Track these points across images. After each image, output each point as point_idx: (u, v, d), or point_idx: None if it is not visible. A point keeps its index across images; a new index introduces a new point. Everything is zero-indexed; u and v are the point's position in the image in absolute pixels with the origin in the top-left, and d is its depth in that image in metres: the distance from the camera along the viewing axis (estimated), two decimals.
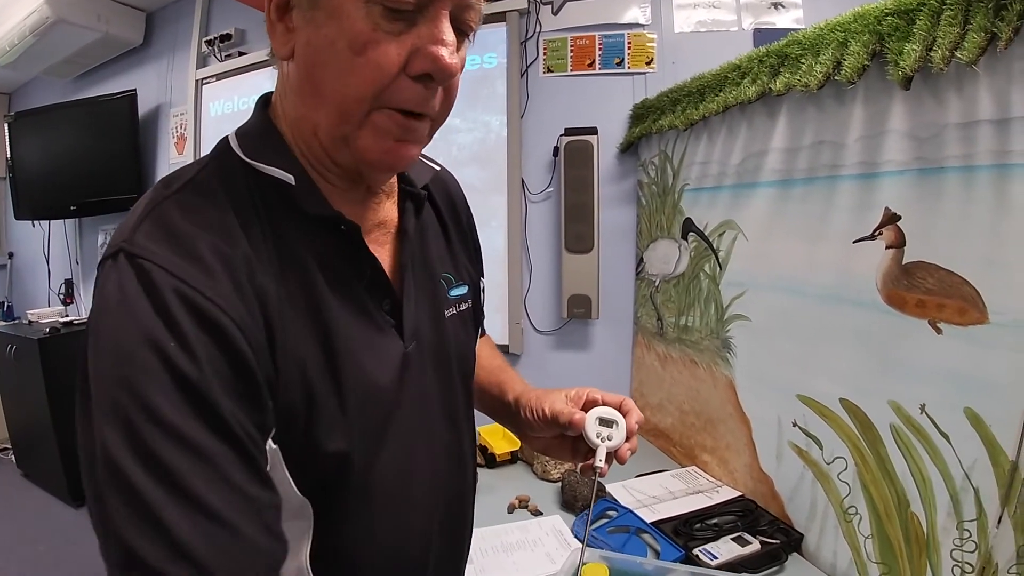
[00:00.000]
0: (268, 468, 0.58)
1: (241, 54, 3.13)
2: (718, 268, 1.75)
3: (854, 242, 1.26)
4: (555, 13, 2.38)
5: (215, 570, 0.49)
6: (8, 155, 4.05)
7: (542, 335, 2.51)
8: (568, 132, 2.29)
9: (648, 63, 2.28)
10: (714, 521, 1.47)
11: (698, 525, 1.46)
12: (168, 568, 0.47)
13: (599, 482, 1.60)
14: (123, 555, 0.48)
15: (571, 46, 2.37)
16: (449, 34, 0.61)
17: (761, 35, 2.14)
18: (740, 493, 1.64)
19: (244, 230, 0.61)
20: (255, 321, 0.58)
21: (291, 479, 0.62)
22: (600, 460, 0.84)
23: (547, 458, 1.81)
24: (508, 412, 0.95)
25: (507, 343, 2.50)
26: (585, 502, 1.60)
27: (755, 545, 1.35)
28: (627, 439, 0.86)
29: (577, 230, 2.30)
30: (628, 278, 2.35)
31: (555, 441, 0.91)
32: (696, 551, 1.33)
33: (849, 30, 1.22)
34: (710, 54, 1.96)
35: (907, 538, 1.16)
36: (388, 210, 0.79)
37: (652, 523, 1.48)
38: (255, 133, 0.70)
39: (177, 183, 0.63)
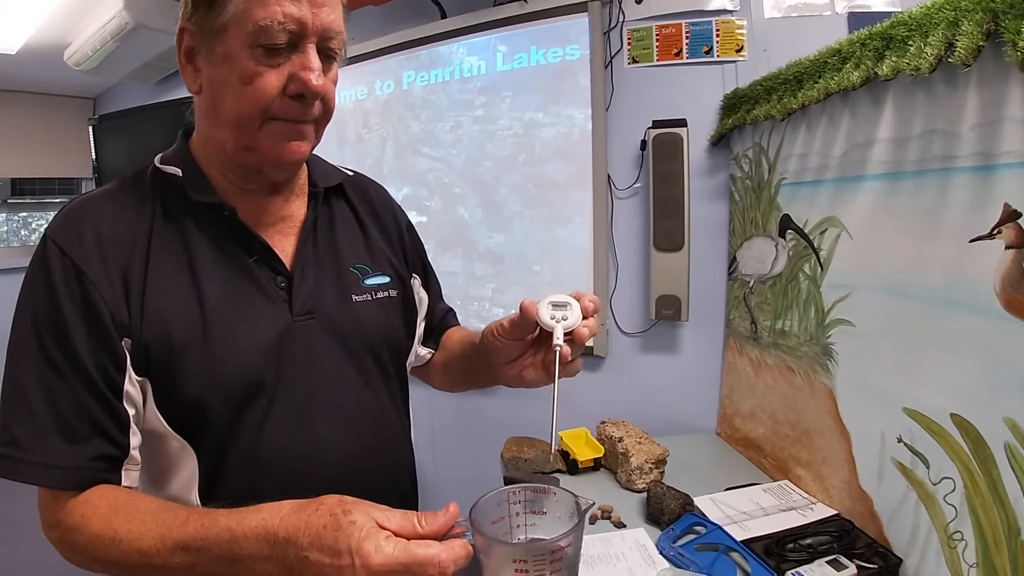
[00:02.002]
0: (142, 398, 0.84)
1: None
2: (819, 269, 1.69)
3: (970, 241, 1.19)
4: (639, 2, 2.35)
5: (32, 452, 0.78)
6: (94, 157, 4.34)
7: (628, 337, 2.49)
8: (656, 124, 2.25)
9: (738, 51, 2.22)
10: (808, 542, 1.42)
11: (791, 545, 1.41)
12: (3, 450, 0.79)
13: (686, 494, 1.61)
14: None
15: (656, 35, 2.33)
16: (315, 62, 0.83)
17: (855, 19, 2.04)
18: (836, 512, 1.59)
19: (132, 218, 0.87)
20: (112, 282, 0.82)
21: (159, 413, 0.85)
22: (558, 338, 0.84)
23: (632, 467, 1.79)
24: (482, 355, 0.99)
25: (591, 344, 2.48)
26: (672, 516, 1.57)
27: (851, 570, 1.30)
28: (584, 319, 0.87)
29: (666, 227, 2.27)
30: (720, 278, 2.30)
31: (528, 362, 0.94)
32: (788, 574, 1.30)
33: (959, 8, 1.15)
34: (803, 40, 1.90)
35: (1015, 568, 1.09)
36: (296, 207, 1.01)
37: (742, 541, 1.44)
38: (172, 149, 0.97)
39: (94, 192, 0.91)
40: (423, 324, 1.22)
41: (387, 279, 1.07)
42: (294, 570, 0.68)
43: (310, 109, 0.87)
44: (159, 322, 0.84)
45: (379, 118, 2.97)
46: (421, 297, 1.19)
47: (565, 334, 0.85)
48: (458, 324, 1.31)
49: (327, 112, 0.92)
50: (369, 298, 1.03)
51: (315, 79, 0.82)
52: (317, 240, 1.00)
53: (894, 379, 1.41)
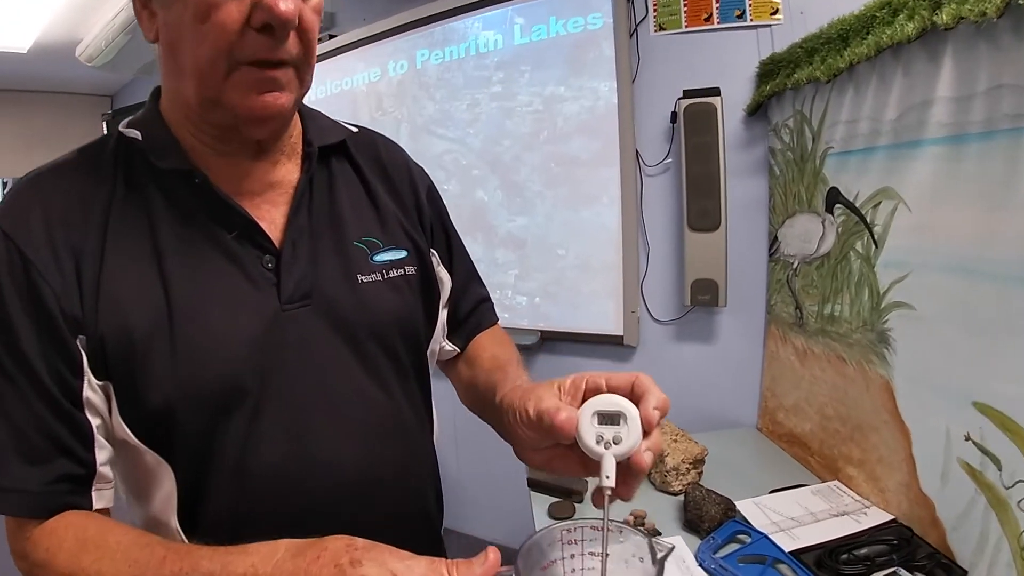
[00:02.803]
0: (107, 405, 0.74)
1: (331, 37, 3.17)
2: (873, 246, 1.57)
3: None
4: None
5: None
6: None
7: (661, 325, 2.39)
8: (687, 95, 2.14)
9: (773, 14, 2.08)
10: (864, 552, 1.31)
11: (845, 556, 1.30)
12: None
13: (727, 499, 1.49)
14: None
15: (684, 0, 2.20)
16: None
17: None
18: (892, 517, 1.47)
19: (88, 193, 0.76)
20: (62, 269, 0.71)
21: (124, 424, 0.74)
22: (607, 477, 0.61)
23: (668, 467, 1.68)
24: (500, 421, 0.80)
25: (621, 333, 2.40)
26: (713, 523, 1.46)
27: None
28: (644, 435, 0.62)
29: (701, 205, 2.15)
30: (760, 260, 2.18)
31: (558, 452, 0.71)
32: None
33: None
34: (843, 1, 1.76)
35: None
36: (288, 171, 0.86)
37: (791, 552, 1.33)
38: (140, 112, 0.83)
39: (47, 165, 0.79)
40: (445, 311, 1.05)
41: (403, 254, 0.92)
42: None
43: (283, 44, 0.71)
44: (116, 314, 0.72)
45: (393, 100, 2.91)
46: (442, 278, 1.03)
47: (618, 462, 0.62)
48: (494, 322, 1.13)
49: (308, 49, 0.76)
50: (379, 278, 0.88)
51: (283, 4, 0.67)
52: (313, 209, 0.85)
53: (961, 369, 1.29)
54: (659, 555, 0.59)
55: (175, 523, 0.76)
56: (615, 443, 0.61)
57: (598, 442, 0.62)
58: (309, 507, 0.75)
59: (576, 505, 1.66)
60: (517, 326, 2.59)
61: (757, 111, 2.12)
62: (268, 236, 0.80)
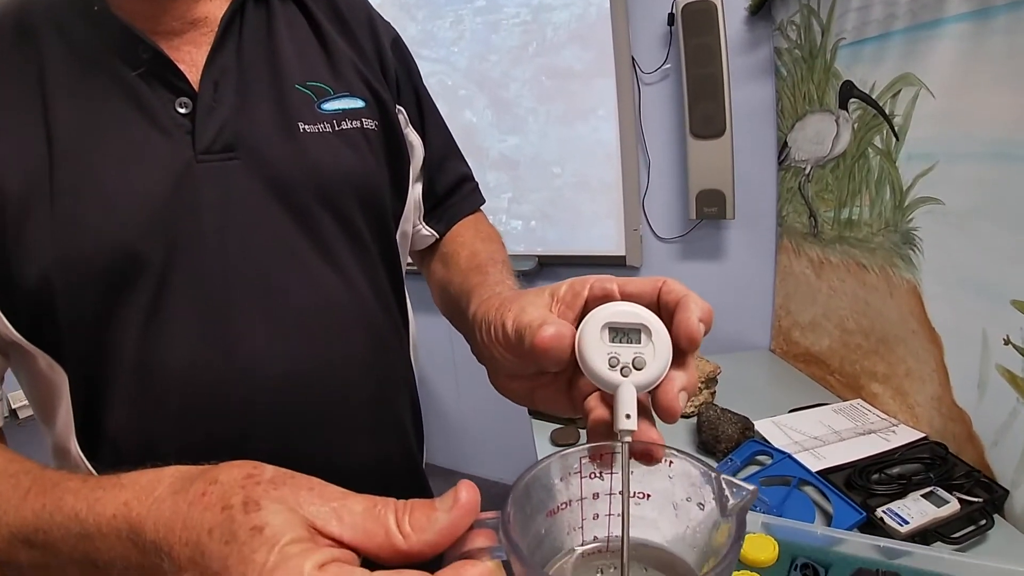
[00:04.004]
0: None
1: None
2: (893, 139, 1.46)
3: None
4: None
5: None
6: None
7: (665, 243, 2.29)
8: None
9: None
10: (896, 471, 1.22)
11: (876, 476, 1.22)
12: None
13: (745, 417, 1.42)
14: None
15: None
16: None
17: None
18: (923, 435, 1.39)
19: None
20: None
21: (3, 314, 0.61)
22: (627, 416, 0.41)
23: None
24: (472, 338, 0.62)
25: (623, 254, 2.32)
26: (730, 444, 1.38)
27: (952, 504, 1.11)
28: (677, 363, 0.44)
29: (704, 110, 2.01)
30: (769, 169, 2.06)
31: (542, 381, 0.52)
32: (879, 512, 1.10)
33: None
34: None
35: None
36: (214, 7, 0.70)
37: (818, 472, 1.26)
38: None
39: None
40: (419, 186, 0.88)
41: (359, 103, 0.75)
42: None
43: None
44: None
45: None
46: (412, 142, 0.85)
47: (641, 394, 0.43)
48: (478, 206, 0.96)
49: None
50: (328, 129, 0.71)
51: None
52: (243, 46, 0.70)
53: (998, 265, 1.21)
54: (729, 502, 0.38)
55: (75, 447, 0.64)
56: (636, 368, 0.42)
57: (612, 365, 0.43)
58: (233, 422, 0.62)
59: (581, 431, 1.57)
60: (513, 252, 2.44)
61: (760, 10, 1.97)
62: (184, 75, 0.65)
